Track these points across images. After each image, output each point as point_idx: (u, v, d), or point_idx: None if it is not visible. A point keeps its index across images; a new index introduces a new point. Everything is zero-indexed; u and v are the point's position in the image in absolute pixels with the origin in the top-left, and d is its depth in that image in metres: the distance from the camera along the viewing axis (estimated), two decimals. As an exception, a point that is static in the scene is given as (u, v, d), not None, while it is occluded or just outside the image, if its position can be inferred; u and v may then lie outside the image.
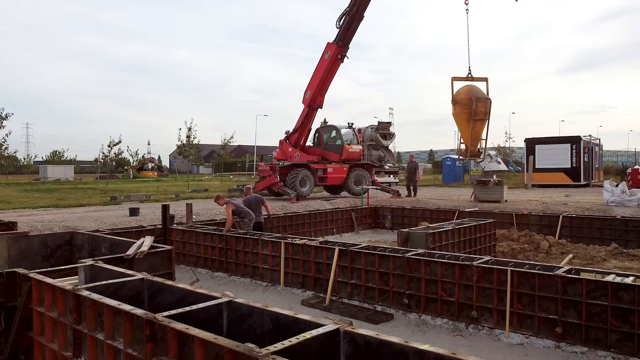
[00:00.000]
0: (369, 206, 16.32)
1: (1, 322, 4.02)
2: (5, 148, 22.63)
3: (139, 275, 3.84)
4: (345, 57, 18.58)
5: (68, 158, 69.43)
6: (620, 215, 12.10)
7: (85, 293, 3.28)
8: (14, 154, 29.02)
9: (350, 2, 17.95)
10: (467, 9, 16.10)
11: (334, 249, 7.28)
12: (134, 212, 12.57)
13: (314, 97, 18.66)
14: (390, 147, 29.79)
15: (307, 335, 2.40)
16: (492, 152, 38.25)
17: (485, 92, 16.12)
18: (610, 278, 5.23)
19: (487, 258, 6.34)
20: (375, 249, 7.11)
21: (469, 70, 16.04)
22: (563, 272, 5.42)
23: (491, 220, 10.55)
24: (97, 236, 6.45)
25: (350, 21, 18.02)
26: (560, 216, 12.22)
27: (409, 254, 6.63)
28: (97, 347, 3.18)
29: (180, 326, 2.58)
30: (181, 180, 45.65)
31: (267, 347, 2.25)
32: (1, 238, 6.10)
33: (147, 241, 5.21)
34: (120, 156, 54.27)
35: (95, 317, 3.20)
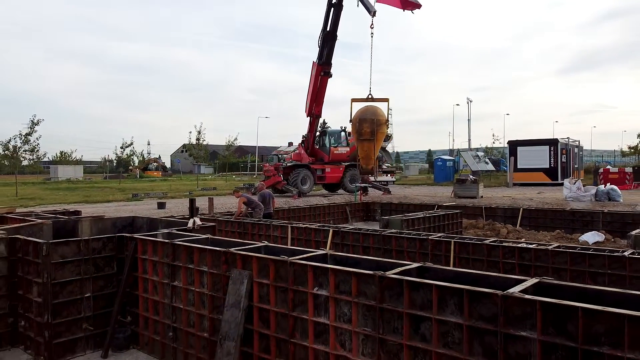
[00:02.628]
0: (362, 201, 18.61)
1: (114, 267, 6.26)
2: (37, 150, 24.88)
3: (204, 236, 6.10)
4: (330, 73, 20.88)
5: (75, 158, 71.78)
6: (570, 208, 14.40)
7: (179, 242, 5.55)
8: (44, 155, 31.35)
9: (323, 24, 20.30)
10: (371, 33, 18.35)
11: (329, 230, 9.55)
12: (161, 205, 14.82)
13: (312, 108, 21.05)
14: (389, 147, 31.95)
15: (311, 254, 4.67)
16: (480, 153, 40.67)
17: (386, 112, 18.24)
18: (520, 245, 7.49)
19: (440, 234, 8.62)
20: (360, 230, 9.38)
21: (370, 91, 18.29)
22: (489, 242, 7.68)
23: (458, 211, 12.83)
24: (154, 219, 8.71)
25: (325, 41, 20.39)
26: (521, 209, 14.51)
27: (384, 232, 8.90)
28: (187, 273, 5.43)
29: (243, 252, 4.85)
30: (186, 180, 47.96)
31: (290, 258, 4.51)
32: (86, 220, 8.36)
33: (197, 220, 7.46)
34: (131, 157, 56.50)
35: (186, 256, 5.45)
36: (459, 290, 3.38)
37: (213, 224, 7.53)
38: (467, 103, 44.41)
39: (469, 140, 42.00)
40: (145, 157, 73.73)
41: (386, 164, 32.95)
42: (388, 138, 30.20)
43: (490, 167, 37.94)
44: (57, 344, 5.74)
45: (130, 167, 66.43)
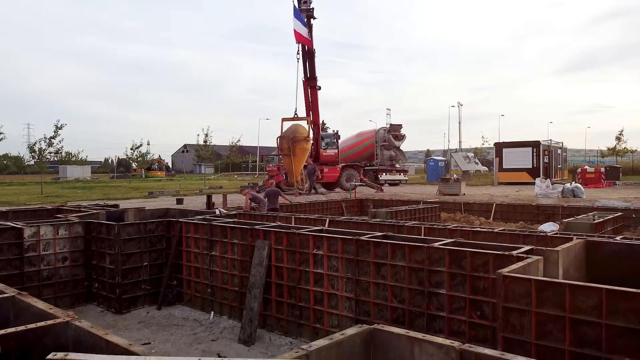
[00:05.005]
0: (356, 198, 20.69)
1: (163, 244, 8.32)
2: (60, 152, 26.88)
3: (232, 219, 8.17)
4: (317, 86, 23.21)
5: (81, 158, 73.77)
6: (536, 203, 16.49)
7: (216, 223, 7.62)
8: (69, 156, 33.58)
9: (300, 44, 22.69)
10: (298, 58, 20.74)
11: (326, 219, 11.62)
12: (179, 201, 16.88)
13: (310, 118, 23.30)
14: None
15: (311, 228, 6.75)
16: (470, 154, 42.83)
17: (307, 129, 20.63)
18: (474, 229, 9.55)
19: (414, 222, 10.69)
20: (351, 219, 11.44)
21: (295, 111, 20.74)
22: (451, 227, 9.75)
23: (437, 205, 14.90)
24: (184, 210, 10.77)
25: (304, 59, 22.76)
26: (494, 204, 16.59)
27: (370, 221, 10.97)
28: (221, 245, 7.50)
29: (264, 228, 6.92)
30: (191, 180, 49.97)
31: (298, 230, 6.57)
32: (130, 210, 10.41)
33: (222, 209, 9.53)
34: (140, 157, 58.41)
35: (221, 233, 7.52)
36: (403, 245, 5.46)
37: (236, 212, 9.59)
38: (458, 107, 46.66)
39: (460, 141, 44.35)
40: (145, 157, 75.66)
41: (400, 163, 34.72)
42: (402, 138, 32.14)
43: (480, 167, 40.10)
44: (125, 299, 7.81)
45: (135, 167, 68.38)
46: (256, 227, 7.08)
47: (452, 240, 5.63)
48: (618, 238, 7.09)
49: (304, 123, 21.03)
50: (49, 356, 2.04)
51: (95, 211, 10.09)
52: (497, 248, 5.16)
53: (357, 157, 32.61)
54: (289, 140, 20.41)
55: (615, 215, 10.94)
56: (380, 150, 28.99)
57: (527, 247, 5.02)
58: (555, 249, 4.93)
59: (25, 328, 2.55)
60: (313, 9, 22.38)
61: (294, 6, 21.48)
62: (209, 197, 14.48)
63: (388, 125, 32.25)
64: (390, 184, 31.56)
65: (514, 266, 4.13)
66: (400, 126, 31.45)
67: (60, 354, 2.04)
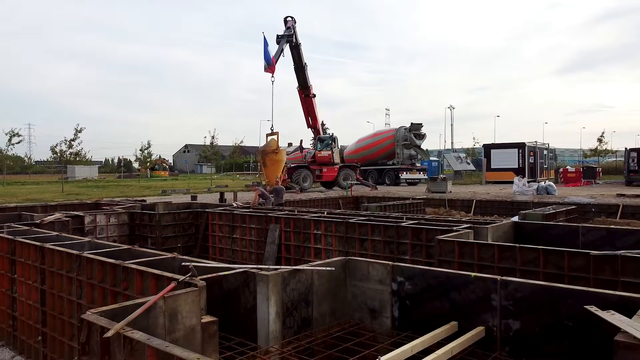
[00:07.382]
0: (352, 196, 22.69)
1: (193, 230, 10.31)
2: (78, 153, 28.90)
3: (248, 209, 10.17)
4: (311, 94, 25.47)
5: (86, 159, 75.62)
6: (511, 199, 18.50)
7: (236, 212, 9.61)
8: (88, 157, 35.66)
9: (292, 59, 24.91)
10: (272, 79, 23.05)
11: (324, 211, 13.61)
12: (194, 198, 18.80)
13: (309, 123, 25.45)
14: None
15: (312, 214, 8.75)
16: (462, 154, 44.84)
17: (277, 141, 23.16)
18: (449, 218, 11.55)
19: (399, 214, 12.70)
20: (345, 211, 13.43)
21: (271, 126, 23.24)
22: (429, 217, 11.74)
23: (422, 201, 16.90)
24: (204, 203, 12.76)
25: (297, 72, 25.07)
26: (474, 200, 18.59)
27: (362, 213, 12.96)
28: (241, 229, 9.50)
29: (275, 215, 8.92)
30: (195, 179, 51.96)
31: (302, 216, 8.57)
32: (160, 203, 12.40)
33: (238, 202, 11.50)
34: (148, 159, 60.37)
35: (241, 219, 9.52)
36: (379, 225, 7.46)
37: (248, 206, 11.60)
38: (450, 110, 48.74)
39: (452, 142, 46.35)
40: (146, 158, 77.63)
41: (420, 161, 36.11)
42: (423, 137, 33.80)
43: (471, 167, 42.06)
44: (164, 273, 9.79)
45: (140, 167, 70.33)
46: (269, 214, 9.08)
47: (416, 221, 7.63)
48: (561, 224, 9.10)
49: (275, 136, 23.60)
50: (184, 263, 4.05)
51: (130, 204, 12.07)
52: (445, 226, 7.16)
53: (375, 156, 34.15)
54: (260, 153, 23.03)
55: (569, 208, 12.94)
56: (401, 149, 30.44)
57: (466, 225, 7.02)
58: (486, 226, 6.92)
59: (153, 258, 4.56)
60: (293, 34, 24.43)
61: (264, 39, 23.54)
62: (221, 194, 16.46)
63: (408, 124, 33.67)
64: (409, 183, 32.47)
65: (449, 234, 6.13)
66: (421, 125, 32.90)
67: (189, 263, 4.04)
